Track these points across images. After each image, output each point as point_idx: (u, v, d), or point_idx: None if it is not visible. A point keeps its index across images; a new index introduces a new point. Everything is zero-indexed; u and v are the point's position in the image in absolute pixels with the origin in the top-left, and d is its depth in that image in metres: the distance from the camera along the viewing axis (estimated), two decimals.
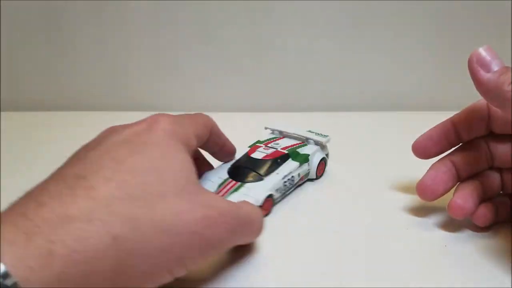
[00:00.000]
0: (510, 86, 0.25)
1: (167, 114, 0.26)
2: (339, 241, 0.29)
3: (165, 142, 0.24)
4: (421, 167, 0.38)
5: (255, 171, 0.34)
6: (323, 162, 0.38)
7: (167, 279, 0.21)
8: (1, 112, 0.54)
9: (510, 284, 0.25)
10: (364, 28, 0.58)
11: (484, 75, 0.26)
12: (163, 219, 0.21)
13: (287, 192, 0.35)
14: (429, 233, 0.30)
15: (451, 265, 0.27)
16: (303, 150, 0.37)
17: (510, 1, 0.56)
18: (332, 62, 0.60)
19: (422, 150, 0.32)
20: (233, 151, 0.36)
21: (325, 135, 0.39)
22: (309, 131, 0.39)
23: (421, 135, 0.32)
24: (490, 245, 0.28)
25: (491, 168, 0.31)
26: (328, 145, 0.39)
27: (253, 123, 0.46)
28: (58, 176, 0.21)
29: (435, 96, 0.60)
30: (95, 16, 0.57)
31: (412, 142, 0.33)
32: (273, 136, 0.40)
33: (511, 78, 0.25)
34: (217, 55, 0.59)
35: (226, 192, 0.32)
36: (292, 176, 0.35)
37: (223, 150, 0.34)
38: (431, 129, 0.32)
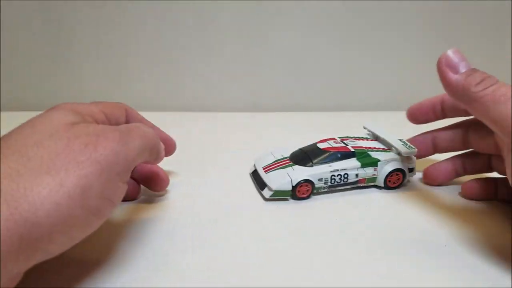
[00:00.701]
0: (477, 87, 0.26)
1: (67, 104, 0.27)
2: (338, 239, 0.29)
3: (52, 112, 0.25)
4: (421, 167, 0.38)
5: (309, 158, 0.35)
6: (398, 174, 0.36)
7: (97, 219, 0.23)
8: (1, 112, 0.54)
9: (510, 284, 0.25)
10: (365, 29, 0.58)
11: (452, 76, 0.28)
12: (42, 163, 0.21)
13: (339, 187, 0.35)
14: (429, 233, 0.30)
15: (451, 265, 0.27)
16: (376, 155, 0.36)
17: (510, 1, 0.56)
18: (332, 62, 0.60)
19: (411, 116, 0.37)
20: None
21: (412, 148, 0.36)
22: (400, 140, 0.37)
23: (416, 103, 0.36)
24: (490, 245, 0.28)
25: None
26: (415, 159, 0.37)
27: (253, 123, 0.46)
28: None
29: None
30: (95, 16, 0.57)
31: None
32: (366, 136, 0.40)
33: (477, 79, 0.27)
34: (217, 55, 0.59)
35: (274, 167, 0.35)
36: (346, 174, 0.35)
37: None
38: (425, 100, 0.36)
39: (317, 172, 0.34)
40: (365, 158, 0.36)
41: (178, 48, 0.59)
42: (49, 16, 0.57)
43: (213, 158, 0.43)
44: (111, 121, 0.30)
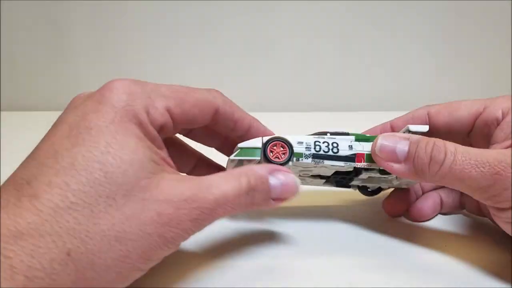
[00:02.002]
0: (432, 168, 0.23)
1: (127, 81, 0.22)
2: (336, 238, 0.29)
3: (113, 126, 0.20)
4: None
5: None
6: None
7: (137, 275, 0.20)
8: (1, 112, 0.54)
9: (510, 284, 0.25)
10: (365, 29, 0.58)
11: (398, 168, 0.25)
12: (112, 227, 0.19)
13: (328, 161, 0.27)
14: (429, 233, 0.30)
15: (450, 265, 0.27)
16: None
17: (510, 1, 0.56)
18: (332, 62, 0.60)
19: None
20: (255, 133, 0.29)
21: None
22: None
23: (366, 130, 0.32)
24: (490, 245, 0.28)
25: None
26: None
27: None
28: (11, 177, 0.20)
29: (435, 96, 0.60)
30: (95, 17, 0.57)
31: None
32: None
33: (424, 157, 0.24)
34: (217, 55, 0.59)
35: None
36: (336, 143, 0.27)
37: (238, 128, 0.28)
38: (373, 128, 0.32)
39: (298, 136, 0.28)
40: (362, 135, 0.28)
41: (178, 48, 0.59)
42: (49, 17, 0.57)
43: (213, 157, 0.43)
44: (178, 125, 0.24)
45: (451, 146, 0.23)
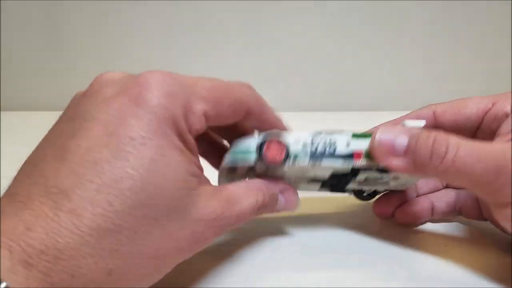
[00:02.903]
0: (433, 161, 0.22)
1: (162, 76, 0.21)
2: (333, 238, 0.29)
3: (157, 138, 0.19)
4: None
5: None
6: None
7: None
8: (1, 112, 0.54)
9: (511, 284, 0.25)
10: (365, 29, 0.58)
11: (398, 163, 0.23)
12: (152, 246, 0.19)
13: (325, 160, 0.26)
14: (428, 233, 0.30)
15: (450, 265, 0.27)
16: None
17: (510, 1, 0.56)
18: (332, 62, 0.60)
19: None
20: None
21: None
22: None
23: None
24: (490, 246, 0.28)
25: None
26: None
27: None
28: (36, 185, 0.18)
29: (437, 96, 0.60)
30: (96, 17, 0.57)
31: None
32: None
33: (424, 150, 0.22)
34: (217, 55, 0.59)
35: None
36: (334, 140, 0.26)
37: (263, 128, 0.27)
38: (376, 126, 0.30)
39: (296, 134, 0.26)
40: (358, 133, 0.27)
41: (178, 48, 0.59)
42: (50, 17, 0.57)
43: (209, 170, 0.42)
44: (216, 121, 0.23)
45: (453, 139, 0.22)
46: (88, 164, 0.18)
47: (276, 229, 0.31)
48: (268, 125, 0.27)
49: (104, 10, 0.57)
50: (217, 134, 0.29)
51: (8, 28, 0.57)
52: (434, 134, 0.23)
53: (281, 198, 0.26)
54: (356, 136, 0.26)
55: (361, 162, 0.25)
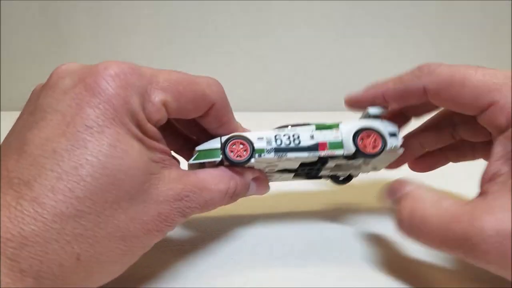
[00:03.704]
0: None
1: (119, 66, 0.22)
2: (331, 237, 0.29)
3: (114, 127, 0.20)
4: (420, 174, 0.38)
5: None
6: (374, 136, 0.27)
7: (134, 261, 0.22)
8: (1, 112, 0.54)
9: (511, 284, 0.25)
10: (365, 29, 0.58)
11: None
12: (118, 229, 0.20)
13: (291, 153, 0.27)
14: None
15: (450, 265, 0.27)
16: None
17: (510, 1, 0.56)
18: (332, 62, 0.60)
19: (349, 106, 0.31)
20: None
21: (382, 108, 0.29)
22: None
23: (355, 95, 0.30)
24: None
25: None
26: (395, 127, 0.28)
27: (253, 123, 0.46)
28: (2, 172, 0.19)
29: None
30: (95, 16, 0.57)
31: None
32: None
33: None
34: (217, 55, 0.59)
35: None
36: (297, 135, 0.27)
37: (220, 130, 0.27)
38: (364, 91, 0.30)
39: (257, 132, 0.27)
40: (322, 124, 0.28)
41: (177, 48, 0.59)
42: (50, 17, 0.57)
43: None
44: (176, 113, 0.24)
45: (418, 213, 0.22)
46: (48, 153, 0.19)
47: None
48: (229, 128, 0.27)
49: (104, 10, 0.57)
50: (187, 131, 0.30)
51: (8, 28, 0.57)
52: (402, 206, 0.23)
53: (253, 184, 0.27)
54: (319, 128, 0.27)
55: (326, 152, 0.27)
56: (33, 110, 0.21)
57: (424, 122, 0.31)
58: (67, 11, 0.57)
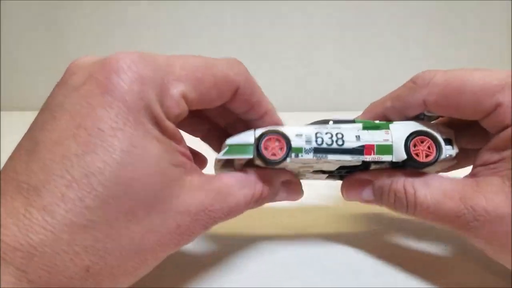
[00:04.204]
0: (395, 210, 0.23)
1: (135, 58, 0.19)
2: (333, 239, 0.29)
3: (128, 128, 0.18)
4: None
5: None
6: (428, 141, 0.24)
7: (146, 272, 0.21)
8: (1, 112, 0.54)
9: (511, 284, 0.25)
10: (365, 29, 0.58)
11: (364, 197, 0.25)
12: (132, 241, 0.18)
13: (333, 155, 0.23)
14: (428, 233, 0.30)
15: (450, 265, 0.27)
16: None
17: (510, 1, 0.56)
18: (332, 62, 0.60)
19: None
20: (270, 121, 0.25)
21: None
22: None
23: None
24: None
25: None
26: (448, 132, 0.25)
27: None
28: (8, 181, 0.18)
29: None
30: (96, 16, 0.57)
31: None
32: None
33: (386, 197, 0.23)
34: (217, 55, 0.59)
35: None
36: (341, 134, 0.24)
37: (252, 113, 0.24)
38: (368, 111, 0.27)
39: (296, 128, 0.24)
40: (370, 122, 0.25)
41: (177, 49, 0.59)
42: (50, 17, 0.57)
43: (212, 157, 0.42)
44: (198, 104, 0.21)
45: (410, 188, 0.23)
46: (57, 158, 0.18)
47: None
48: (260, 110, 0.24)
49: (104, 10, 0.57)
50: (217, 118, 0.27)
51: (8, 28, 0.57)
52: (393, 190, 0.23)
53: (283, 189, 0.25)
54: (367, 127, 0.24)
55: (372, 157, 0.23)
56: (44, 109, 0.20)
57: None
58: (67, 11, 0.57)
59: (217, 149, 0.27)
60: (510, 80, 0.21)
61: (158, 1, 0.57)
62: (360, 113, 0.28)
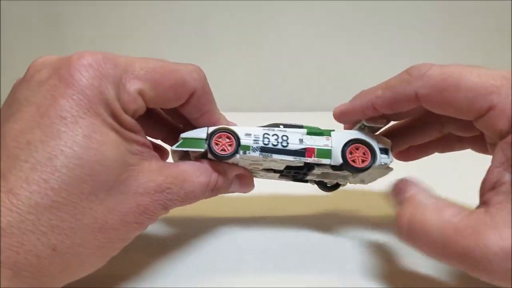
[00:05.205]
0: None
1: (93, 56, 0.21)
2: (334, 239, 0.29)
3: (89, 117, 0.20)
4: (422, 169, 0.38)
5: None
6: (363, 148, 0.26)
7: (115, 254, 0.22)
8: None
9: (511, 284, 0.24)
10: (365, 29, 0.58)
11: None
12: (95, 220, 0.19)
13: (277, 155, 0.26)
14: None
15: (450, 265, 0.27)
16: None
17: (510, 1, 0.56)
18: (332, 62, 0.60)
19: (339, 119, 0.29)
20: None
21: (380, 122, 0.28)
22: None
23: (344, 106, 0.28)
24: None
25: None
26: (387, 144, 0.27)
27: (253, 123, 0.46)
28: None
29: None
30: (96, 16, 0.57)
31: None
32: None
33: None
34: (217, 55, 0.59)
35: None
36: (286, 136, 0.26)
37: (202, 120, 0.26)
38: (353, 103, 0.28)
39: (247, 128, 0.26)
40: (315, 129, 0.27)
41: (178, 49, 0.59)
42: (50, 16, 0.57)
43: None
44: (154, 103, 0.23)
45: (404, 220, 0.22)
46: (22, 145, 0.19)
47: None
48: (211, 118, 0.26)
49: (104, 10, 0.57)
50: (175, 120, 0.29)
51: (8, 28, 0.57)
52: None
53: (236, 181, 0.27)
54: (311, 132, 0.27)
55: (313, 159, 0.26)
56: (9, 103, 0.21)
57: (408, 119, 0.29)
58: (67, 11, 0.57)
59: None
60: (507, 81, 0.21)
61: (158, 1, 0.57)
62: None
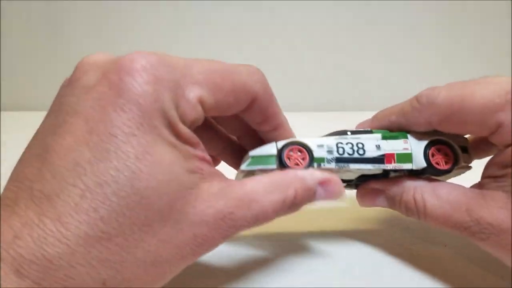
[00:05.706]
0: (407, 215, 0.24)
1: (147, 58, 0.18)
2: (336, 241, 0.29)
3: (142, 133, 0.17)
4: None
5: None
6: (445, 149, 0.25)
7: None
8: (1, 112, 0.54)
9: (511, 284, 0.24)
10: (366, 29, 0.58)
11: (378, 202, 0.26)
12: (148, 254, 0.17)
13: (354, 164, 0.24)
14: (428, 233, 0.30)
15: (451, 265, 0.27)
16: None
17: (510, 1, 0.56)
18: (332, 62, 0.60)
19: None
20: (283, 134, 0.25)
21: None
22: None
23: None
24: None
25: None
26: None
27: None
28: (21, 187, 0.17)
29: None
30: (96, 16, 0.57)
31: None
32: None
33: (398, 205, 0.25)
34: (217, 55, 0.59)
35: None
36: (361, 144, 0.24)
37: (266, 124, 0.24)
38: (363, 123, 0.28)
39: (318, 139, 0.24)
40: (388, 132, 0.25)
41: (178, 48, 0.59)
42: (50, 16, 0.57)
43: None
44: (215, 111, 0.21)
45: (420, 207, 0.23)
46: (69, 165, 0.17)
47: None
48: (274, 121, 0.24)
49: (105, 10, 0.57)
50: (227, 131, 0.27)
51: (8, 28, 0.57)
52: (404, 200, 0.24)
53: (321, 191, 0.23)
54: (386, 137, 0.25)
55: (393, 165, 0.24)
56: (55, 111, 0.19)
57: None
58: (67, 11, 0.57)
59: (233, 165, 0.27)
60: (510, 97, 0.21)
61: (159, 1, 0.57)
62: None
